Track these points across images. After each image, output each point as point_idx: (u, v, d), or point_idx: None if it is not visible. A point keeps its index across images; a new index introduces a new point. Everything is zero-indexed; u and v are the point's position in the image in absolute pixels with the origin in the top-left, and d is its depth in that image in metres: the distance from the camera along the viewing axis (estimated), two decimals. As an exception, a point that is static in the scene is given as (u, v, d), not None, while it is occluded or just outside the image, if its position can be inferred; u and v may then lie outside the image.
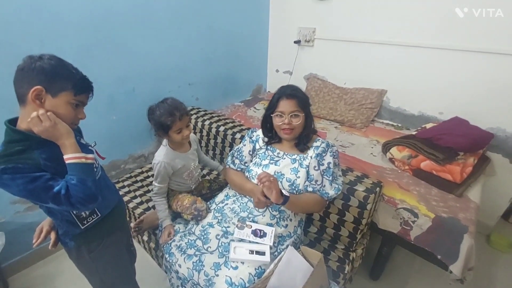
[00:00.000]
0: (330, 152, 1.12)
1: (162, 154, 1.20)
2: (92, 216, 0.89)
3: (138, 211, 1.52)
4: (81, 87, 0.76)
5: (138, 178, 1.78)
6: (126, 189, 1.68)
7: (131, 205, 1.57)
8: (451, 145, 1.41)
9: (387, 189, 1.35)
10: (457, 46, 1.65)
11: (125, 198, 1.61)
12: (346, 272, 1.20)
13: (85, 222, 0.87)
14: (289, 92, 1.09)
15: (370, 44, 2.01)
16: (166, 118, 1.11)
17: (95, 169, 0.82)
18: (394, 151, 1.56)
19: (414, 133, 1.69)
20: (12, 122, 0.75)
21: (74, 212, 0.83)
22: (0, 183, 0.69)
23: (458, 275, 1.13)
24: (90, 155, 0.78)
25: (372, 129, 2.03)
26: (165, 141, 1.23)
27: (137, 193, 1.65)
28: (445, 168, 1.37)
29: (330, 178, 1.09)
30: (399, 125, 2.05)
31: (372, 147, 1.77)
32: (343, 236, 1.28)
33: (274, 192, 0.99)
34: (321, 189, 1.10)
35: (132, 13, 1.58)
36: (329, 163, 1.10)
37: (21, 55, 1.28)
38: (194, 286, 1.03)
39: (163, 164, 1.18)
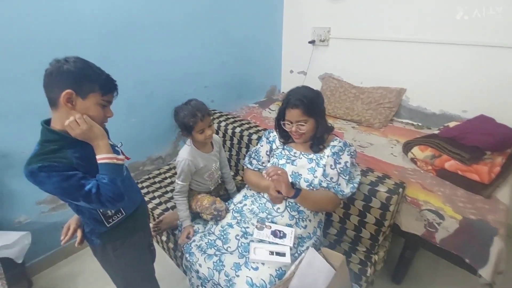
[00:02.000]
0: (348, 152, 1.10)
1: (186, 152, 1.23)
2: (117, 215, 0.91)
3: (157, 211, 1.55)
4: (108, 87, 0.79)
5: (156, 180, 1.82)
6: (145, 190, 1.71)
7: (150, 205, 1.60)
8: (477, 144, 1.35)
9: (410, 190, 1.31)
10: (480, 41, 1.58)
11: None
12: (368, 275, 1.17)
13: (111, 221, 0.90)
14: (293, 101, 1.06)
15: (387, 42, 1.96)
16: (189, 119, 1.14)
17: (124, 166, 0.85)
18: (416, 151, 1.51)
19: (436, 132, 1.63)
20: (47, 122, 0.78)
21: (101, 210, 0.86)
22: (37, 181, 0.71)
23: (488, 279, 1.07)
24: (121, 156, 0.81)
25: (391, 128, 1.97)
26: (189, 141, 1.26)
27: (156, 194, 1.68)
28: (471, 168, 1.31)
29: (347, 178, 1.07)
30: (420, 124, 1.99)
31: (392, 147, 1.73)
32: (365, 238, 1.25)
33: (284, 185, 1.01)
34: (336, 186, 1.08)
35: (150, 19, 1.62)
36: (346, 162, 1.08)
37: (46, 60, 1.33)
38: (215, 286, 1.03)
39: (187, 162, 1.21)
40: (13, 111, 1.29)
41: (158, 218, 1.47)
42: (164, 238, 1.57)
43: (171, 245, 1.54)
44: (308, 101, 1.06)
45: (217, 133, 1.86)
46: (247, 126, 1.77)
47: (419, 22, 1.78)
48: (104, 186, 0.75)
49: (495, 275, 1.10)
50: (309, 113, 1.07)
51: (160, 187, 1.74)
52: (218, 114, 1.96)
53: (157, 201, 1.62)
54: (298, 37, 2.43)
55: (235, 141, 1.76)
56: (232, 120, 1.87)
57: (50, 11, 1.27)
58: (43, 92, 1.42)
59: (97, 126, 0.77)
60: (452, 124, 1.64)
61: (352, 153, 1.12)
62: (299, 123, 1.07)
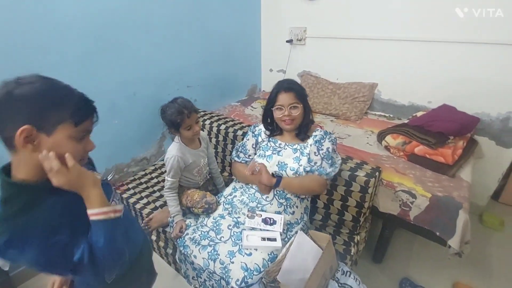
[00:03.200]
0: (329, 139, 1.19)
1: (174, 149, 1.26)
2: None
3: (146, 211, 1.55)
4: (82, 113, 0.59)
5: (142, 180, 1.81)
6: (132, 191, 1.70)
7: (138, 206, 1.59)
8: (442, 130, 1.50)
9: (385, 174, 1.43)
10: (441, 38, 1.75)
11: (131, 200, 1.63)
12: (352, 254, 1.27)
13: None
14: (286, 85, 1.16)
15: (359, 40, 2.10)
16: (176, 117, 1.18)
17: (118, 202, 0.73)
18: (389, 139, 1.64)
19: (406, 121, 1.78)
20: (7, 169, 0.57)
21: None
22: (6, 258, 0.54)
23: (456, 249, 1.21)
24: (119, 206, 0.63)
25: (366, 120, 2.11)
26: (177, 138, 1.28)
27: (143, 194, 1.68)
28: (437, 152, 1.46)
29: (330, 162, 1.16)
30: (391, 115, 2.15)
31: (368, 137, 1.85)
32: (347, 221, 1.35)
33: (263, 175, 1.13)
34: (319, 168, 1.15)
35: (132, 20, 1.62)
36: (328, 148, 1.17)
37: (25, 64, 1.30)
38: (210, 275, 1.07)
39: (177, 158, 1.24)
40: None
41: (147, 217, 1.48)
42: (154, 237, 1.58)
43: (161, 243, 1.55)
44: (299, 87, 1.18)
45: (202, 131, 1.89)
46: (231, 123, 1.82)
47: (388, 21, 1.92)
48: (100, 251, 0.57)
49: (463, 244, 1.24)
50: (300, 98, 1.17)
51: (147, 187, 1.74)
52: (202, 113, 1.99)
53: (145, 200, 1.62)
54: (276, 37, 2.52)
55: (221, 138, 1.80)
56: (216, 118, 1.90)
57: (29, 11, 1.24)
58: None
59: (87, 172, 0.60)
60: (419, 114, 1.80)
61: (333, 140, 1.21)
62: (292, 105, 1.15)
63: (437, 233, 1.26)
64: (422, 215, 1.30)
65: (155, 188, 1.73)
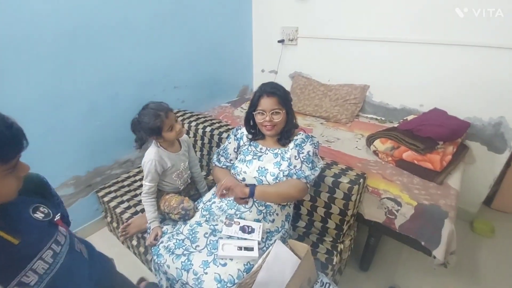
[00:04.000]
0: (310, 142, 1.14)
1: (152, 153, 1.22)
2: None
3: (126, 215, 1.51)
4: (8, 151, 0.53)
5: (125, 183, 1.77)
6: (113, 194, 1.66)
7: (118, 210, 1.55)
8: (431, 135, 1.46)
9: (371, 180, 1.38)
10: (434, 40, 1.70)
11: (112, 204, 1.59)
12: (334, 263, 1.22)
13: None
14: (269, 90, 1.11)
15: (351, 41, 2.05)
16: (155, 121, 1.13)
17: (60, 251, 0.64)
18: (378, 144, 1.60)
19: (396, 125, 1.74)
20: None
21: None
22: None
23: (441, 259, 1.17)
24: None
25: (357, 123, 2.07)
26: (154, 142, 1.23)
27: (124, 197, 1.63)
28: (425, 158, 1.41)
29: (310, 166, 1.11)
30: (383, 118, 2.10)
31: (357, 141, 1.81)
32: (331, 229, 1.31)
33: (235, 189, 1.12)
34: (298, 172, 1.11)
35: (113, 18, 1.57)
36: (308, 151, 1.12)
37: None
38: (183, 286, 1.03)
39: (154, 162, 1.20)
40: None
41: (126, 221, 1.43)
42: (134, 242, 1.53)
43: (142, 249, 1.50)
44: (283, 92, 1.13)
45: (187, 133, 1.84)
46: (217, 125, 1.78)
47: (380, 22, 1.88)
48: None
49: (448, 255, 1.20)
50: (283, 103, 1.12)
51: (129, 191, 1.70)
52: (189, 114, 1.95)
53: (125, 205, 1.58)
54: (268, 37, 2.47)
55: (206, 140, 1.76)
56: (202, 119, 1.86)
57: (3, 10, 1.19)
58: None
59: None
60: (410, 118, 1.76)
61: (314, 144, 1.17)
62: (274, 111, 1.10)
63: (422, 243, 1.22)
64: (407, 223, 1.25)
65: (138, 191, 1.68)
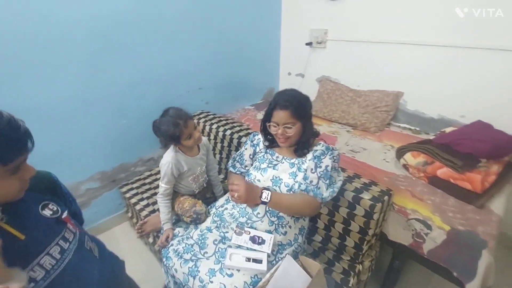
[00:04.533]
0: (330, 155, 1.07)
1: (169, 156, 1.22)
2: None
3: (144, 213, 1.55)
4: (10, 152, 0.53)
5: (147, 181, 1.82)
6: (134, 191, 1.72)
7: (137, 207, 1.60)
8: (471, 151, 1.29)
9: (399, 197, 1.26)
10: (480, 44, 1.52)
11: (133, 200, 1.65)
12: (350, 285, 1.13)
13: None
14: (282, 102, 1.04)
15: (384, 44, 1.91)
16: (173, 130, 1.13)
17: (67, 248, 0.65)
18: (408, 157, 1.46)
19: (432, 137, 1.57)
20: None
21: None
22: None
23: (476, 296, 1.02)
24: (17, 285, 0.50)
25: (387, 133, 1.92)
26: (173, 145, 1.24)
27: (145, 195, 1.68)
28: (464, 176, 1.26)
29: (327, 182, 1.04)
30: (417, 129, 1.93)
31: (385, 152, 1.68)
32: (349, 247, 1.21)
33: (244, 199, 1.04)
34: (315, 189, 1.04)
35: (141, 20, 1.62)
36: (327, 166, 1.05)
37: (34, 64, 1.33)
38: (189, 292, 1.02)
39: (170, 165, 1.20)
40: None
41: (143, 219, 1.47)
42: (150, 240, 1.57)
43: (157, 247, 1.53)
44: (297, 103, 1.05)
45: (208, 135, 1.85)
46: (238, 128, 1.76)
47: (418, 24, 1.72)
48: None
49: (484, 290, 1.05)
50: (297, 116, 1.05)
51: (150, 189, 1.74)
52: (211, 116, 1.95)
53: (145, 202, 1.62)
54: (295, 39, 2.40)
55: (225, 143, 1.74)
56: (224, 122, 1.85)
57: (38, 13, 1.28)
58: (30, 93, 1.40)
59: None
60: (448, 130, 1.58)
61: (334, 157, 1.09)
62: (286, 125, 1.05)
63: (454, 274, 1.08)
64: (438, 250, 1.12)
65: (157, 190, 1.70)
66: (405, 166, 1.48)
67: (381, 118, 1.97)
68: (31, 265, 0.58)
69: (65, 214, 0.69)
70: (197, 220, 1.18)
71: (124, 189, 1.76)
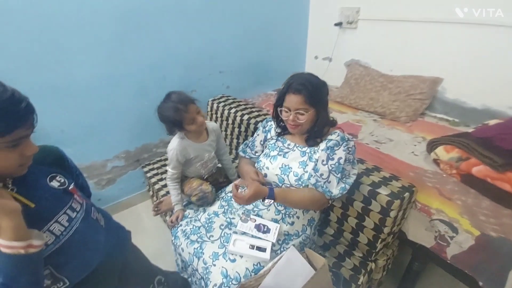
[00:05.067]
0: (344, 147, 0.98)
1: (175, 142, 1.22)
2: (57, 284, 0.67)
3: (162, 192, 1.61)
4: (8, 122, 0.53)
5: (167, 162, 1.88)
6: (155, 171, 1.79)
7: (156, 186, 1.67)
8: (518, 148, 1.12)
9: (423, 195, 1.15)
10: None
11: (152, 180, 1.72)
12: (360, 283, 1.07)
13: None
14: (295, 85, 0.97)
15: (424, 23, 1.70)
16: (175, 116, 1.11)
17: (75, 217, 0.69)
18: (440, 151, 1.31)
19: (471, 130, 1.39)
20: None
21: None
22: None
23: (504, 310, 0.91)
24: (38, 242, 0.55)
25: (420, 123, 1.74)
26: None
27: (164, 176, 1.74)
28: (504, 176, 1.09)
29: (339, 176, 0.97)
30: (456, 120, 1.72)
31: (415, 145, 1.53)
32: (361, 243, 1.14)
33: (247, 198, 0.94)
34: (324, 185, 0.98)
35: (163, 1, 1.61)
36: (340, 158, 0.97)
37: (61, 42, 1.39)
38: (194, 272, 1.05)
39: (176, 152, 1.20)
40: (34, 91, 1.39)
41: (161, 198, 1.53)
42: (168, 218, 1.63)
43: (169, 225, 1.59)
44: (312, 88, 0.96)
45: (226, 119, 1.84)
46: (256, 114, 1.72)
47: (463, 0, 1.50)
48: None
49: (516, 304, 0.93)
50: (311, 102, 0.97)
51: (169, 170, 1.80)
52: (231, 101, 1.93)
53: (163, 182, 1.68)
54: (324, 19, 2.24)
55: (242, 128, 1.72)
56: (243, 107, 1.82)
57: None
58: (60, 73, 1.46)
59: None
60: (492, 122, 1.39)
61: (349, 149, 1.01)
62: (298, 111, 0.99)
63: (480, 283, 0.96)
64: (463, 255, 1.01)
65: (175, 171, 1.77)
66: (436, 161, 1.33)
67: (414, 107, 1.78)
68: (41, 231, 0.62)
69: (71, 186, 0.73)
70: (203, 199, 1.20)
71: (146, 169, 1.84)
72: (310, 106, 0.98)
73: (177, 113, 1.10)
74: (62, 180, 0.72)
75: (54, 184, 0.70)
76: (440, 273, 1.40)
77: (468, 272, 1.00)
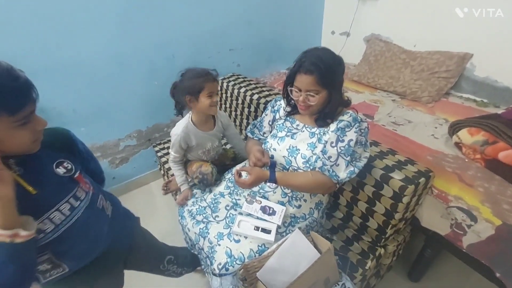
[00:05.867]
0: (356, 128, 0.92)
1: (180, 127, 1.19)
2: (57, 270, 0.68)
3: (171, 172, 1.61)
4: (17, 102, 0.54)
5: (170, 145, 1.88)
6: (165, 151, 1.80)
7: (166, 165, 1.69)
8: (554, 132, 1.00)
9: (441, 180, 1.07)
10: None
11: (163, 159, 1.73)
12: (367, 267, 1.05)
13: (48, 276, 0.68)
14: (307, 65, 0.88)
15: (455, -8, 1.52)
16: (198, 81, 1.08)
17: (78, 206, 0.68)
18: (464, 134, 1.21)
19: (500, 112, 1.27)
20: None
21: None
22: None
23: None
24: (25, 233, 0.53)
25: (443, 104, 1.62)
26: (188, 115, 1.21)
27: (174, 155, 1.75)
28: (535, 163, 1.00)
29: (348, 159, 0.91)
30: (485, 101, 1.58)
31: (436, 127, 1.43)
32: (371, 228, 1.11)
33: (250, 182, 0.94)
34: (331, 168, 0.93)
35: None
36: (350, 140, 0.91)
37: (67, 23, 1.36)
38: (200, 250, 1.06)
39: (179, 138, 1.18)
40: (44, 70, 1.39)
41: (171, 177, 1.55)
42: (177, 197, 1.66)
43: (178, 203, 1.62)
44: (326, 68, 0.88)
45: (236, 99, 1.79)
46: (266, 93, 1.65)
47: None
48: None
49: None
50: (324, 83, 0.90)
51: (179, 150, 1.81)
52: (241, 80, 1.87)
53: (173, 162, 1.70)
54: (343, -10, 2.07)
55: (252, 108, 1.67)
56: (253, 86, 1.76)
57: None
58: (68, 52, 1.44)
59: None
60: (527, 103, 1.25)
61: (362, 130, 0.94)
62: (309, 92, 0.92)
63: (497, 274, 0.91)
64: (481, 245, 0.95)
65: (185, 151, 1.78)
66: (458, 145, 1.24)
67: (438, 86, 1.65)
68: (41, 219, 0.61)
69: (77, 174, 0.71)
70: (204, 181, 1.19)
71: (157, 148, 1.86)
72: (322, 87, 0.90)
73: (201, 79, 1.08)
74: (69, 167, 0.70)
75: (60, 171, 0.68)
76: (454, 262, 1.35)
77: (485, 262, 0.95)
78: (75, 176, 0.70)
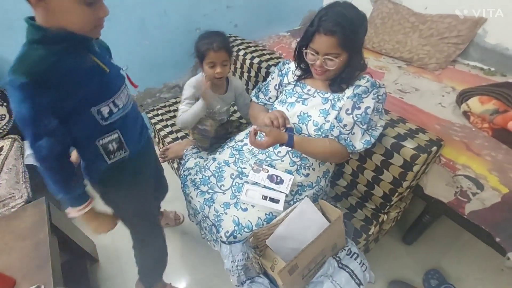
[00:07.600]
0: (374, 94, 0.86)
1: (194, 81, 1.19)
2: (120, 152, 0.78)
3: (168, 139, 1.55)
4: None
5: (172, 108, 1.78)
6: (159, 118, 1.70)
7: (162, 133, 1.60)
8: None
9: (449, 149, 1.06)
10: None
11: (157, 126, 1.64)
12: (370, 233, 1.07)
13: (113, 156, 0.78)
14: (329, 25, 0.78)
15: None
16: (202, 43, 1.06)
17: (126, 102, 0.75)
18: (474, 103, 1.19)
19: (511, 80, 1.24)
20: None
21: (101, 143, 0.74)
22: (10, 95, 0.59)
23: (518, 265, 0.90)
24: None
25: (449, 71, 1.57)
26: (202, 73, 1.19)
27: (169, 122, 1.66)
28: (545, 132, 0.99)
29: (364, 127, 0.87)
30: (492, 69, 1.54)
31: (443, 96, 1.39)
32: (376, 196, 1.11)
33: (270, 139, 0.86)
34: (347, 137, 0.89)
35: None
36: (367, 107, 0.86)
37: None
38: (204, 218, 1.04)
39: (191, 92, 1.17)
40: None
41: (167, 145, 1.48)
42: (175, 165, 1.61)
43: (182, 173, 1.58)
44: (350, 29, 0.79)
45: (234, 63, 1.67)
46: (268, 57, 1.54)
47: None
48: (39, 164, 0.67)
49: (529, 260, 0.92)
50: (345, 46, 0.81)
51: (174, 116, 1.71)
52: (239, 41, 1.73)
53: (169, 129, 1.62)
54: None
55: (252, 73, 1.57)
56: (253, 49, 1.64)
57: None
58: None
59: None
60: (539, 72, 1.22)
61: (379, 97, 0.88)
62: (328, 56, 0.83)
63: (497, 239, 0.95)
64: (484, 212, 0.97)
65: (181, 118, 1.69)
66: (466, 114, 1.22)
67: (447, 53, 1.59)
68: (111, 99, 0.70)
69: (124, 70, 0.78)
70: (203, 132, 1.18)
71: (150, 115, 1.75)
72: (343, 50, 0.82)
73: (205, 45, 1.05)
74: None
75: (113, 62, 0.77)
76: (447, 225, 1.41)
77: (485, 228, 0.98)
78: (121, 70, 0.77)
